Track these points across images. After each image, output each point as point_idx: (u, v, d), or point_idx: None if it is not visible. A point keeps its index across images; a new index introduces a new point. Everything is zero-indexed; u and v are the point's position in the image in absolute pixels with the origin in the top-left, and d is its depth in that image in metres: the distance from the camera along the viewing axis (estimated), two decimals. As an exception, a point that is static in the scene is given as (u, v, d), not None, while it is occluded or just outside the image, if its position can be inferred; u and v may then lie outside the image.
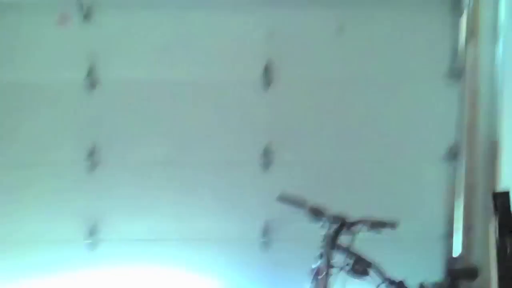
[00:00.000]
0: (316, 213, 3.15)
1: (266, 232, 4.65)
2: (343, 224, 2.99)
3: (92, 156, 4.72)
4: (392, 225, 3.02)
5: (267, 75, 4.64)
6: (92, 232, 4.74)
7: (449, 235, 4.62)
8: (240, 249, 4.68)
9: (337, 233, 3.00)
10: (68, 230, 4.75)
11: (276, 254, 4.66)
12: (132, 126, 4.75)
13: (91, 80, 4.69)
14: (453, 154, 4.62)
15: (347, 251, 2.98)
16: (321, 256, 3.59)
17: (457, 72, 4.61)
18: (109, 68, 4.69)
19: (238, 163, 4.69)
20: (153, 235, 4.72)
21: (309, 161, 4.68)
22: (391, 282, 2.85)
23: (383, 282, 2.78)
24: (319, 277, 3.00)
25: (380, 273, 2.71)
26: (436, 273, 4.51)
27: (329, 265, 2.97)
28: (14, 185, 4.73)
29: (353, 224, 3.04)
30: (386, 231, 3.05)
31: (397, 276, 3.20)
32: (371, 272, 2.73)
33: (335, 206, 4.39)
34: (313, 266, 3.61)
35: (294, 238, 4.62)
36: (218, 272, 4.69)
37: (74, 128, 4.75)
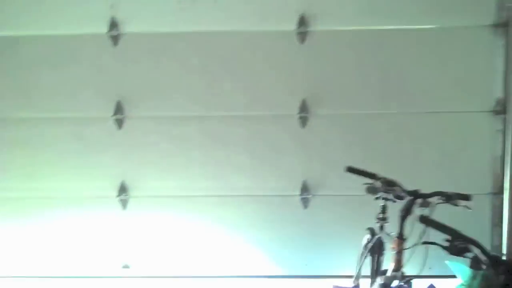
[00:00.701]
0: (389, 185, 2.99)
1: (305, 189, 4.48)
2: (417, 197, 2.82)
3: (119, 112, 4.44)
4: (467, 197, 2.86)
5: (303, 28, 4.33)
6: (123, 189, 4.52)
7: (498, 192, 4.48)
8: (278, 207, 4.53)
9: (410, 206, 2.84)
10: (98, 187, 4.59)
11: (315, 212, 4.51)
12: (159, 80, 4.48)
13: (115, 34, 4.42)
14: (501, 108, 4.40)
15: (443, 227, 2.84)
16: (372, 232, 3.54)
17: (503, 24, 4.32)
18: (132, 22, 4.42)
19: (274, 118, 4.44)
20: (184, 192, 4.55)
21: (348, 116, 4.46)
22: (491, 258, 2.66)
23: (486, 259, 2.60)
24: (395, 251, 2.87)
25: (482, 249, 2.56)
26: (484, 231, 4.45)
27: (402, 239, 2.80)
28: (41, 141, 4.54)
29: (428, 196, 2.86)
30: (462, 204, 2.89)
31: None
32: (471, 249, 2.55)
33: (376, 161, 4.31)
34: (366, 241, 3.51)
35: (334, 196, 4.47)
36: (256, 230, 4.54)
37: (100, 83, 4.49)
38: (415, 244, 2.87)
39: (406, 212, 2.86)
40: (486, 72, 4.39)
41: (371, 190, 3.35)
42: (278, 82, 4.44)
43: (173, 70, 4.47)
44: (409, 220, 2.90)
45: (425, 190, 2.99)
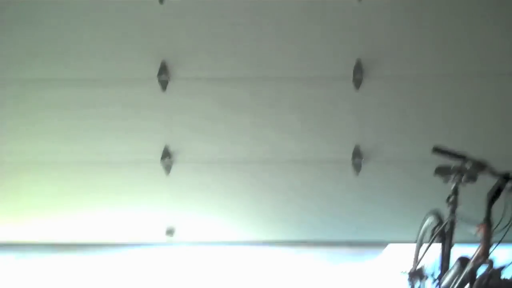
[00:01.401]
0: (479, 166, 2.73)
1: (357, 154, 4.31)
2: (507, 179, 2.58)
3: (164, 72, 4.24)
4: None
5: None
6: (166, 153, 4.36)
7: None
8: (329, 172, 4.38)
9: (500, 189, 2.59)
10: (142, 151, 4.44)
11: (368, 178, 4.36)
12: (204, 42, 4.30)
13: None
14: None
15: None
16: (437, 214, 3.40)
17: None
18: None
19: (326, 79, 4.24)
20: (230, 157, 4.36)
21: (406, 76, 4.25)
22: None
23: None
24: (482, 237, 2.70)
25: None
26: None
27: (490, 224, 2.62)
28: (82, 104, 4.38)
29: None
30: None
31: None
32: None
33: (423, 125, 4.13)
34: (430, 224, 3.37)
35: (387, 161, 4.31)
36: (305, 196, 4.40)
37: (144, 43, 4.31)
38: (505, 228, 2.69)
39: (495, 195, 2.67)
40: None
41: (443, 171, 3.23)
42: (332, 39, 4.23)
43: (219, 32, 4.25)
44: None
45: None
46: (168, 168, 4.44)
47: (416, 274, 3.64)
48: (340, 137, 4.35)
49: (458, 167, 3.10)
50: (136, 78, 4.34)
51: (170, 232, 4.50)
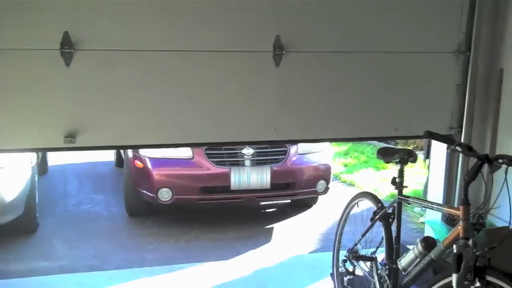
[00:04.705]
0: (466, 149, 2.93)
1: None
2: (485, 161, 2.86)
3: None
4: None
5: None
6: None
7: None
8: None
9: (478, 170, 2.85)
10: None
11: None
12: None
13: None
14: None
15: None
16: (373, 197, 3.76)
17: None
18: None
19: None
20: (138, 46, 3.70)
21: None
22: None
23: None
24: (461, 219, 2.78)
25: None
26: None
27: (468, 205, 2.80)
28: None
29: (495, 159, 2.91)
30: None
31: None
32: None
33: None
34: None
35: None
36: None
37: None
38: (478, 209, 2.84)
39: (472, 177, 2.81)
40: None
41: (386, 153, 3.74)
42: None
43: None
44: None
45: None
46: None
47: (351, 254, 3.74)
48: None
49: (402, 150, 3.56)
50: None
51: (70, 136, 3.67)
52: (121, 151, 7.60)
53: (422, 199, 4.07)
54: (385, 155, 3.69)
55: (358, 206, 3.99)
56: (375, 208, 3.65)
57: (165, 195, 6.07)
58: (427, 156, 6.10)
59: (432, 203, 3.43)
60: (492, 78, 4.47)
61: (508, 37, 4.33)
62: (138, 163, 6.29)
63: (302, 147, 6.47)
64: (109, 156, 9.72)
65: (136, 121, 3.80)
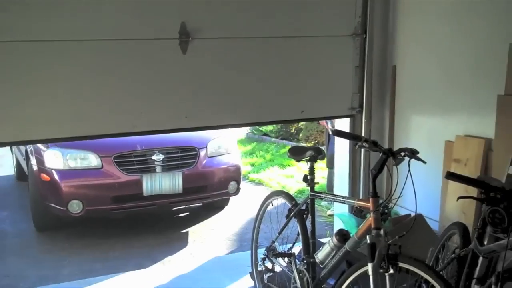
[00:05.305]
0: (372, 144, 3.09)
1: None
2: (389, 155, 3.04)
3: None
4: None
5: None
6: None
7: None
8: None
9: (384, 164, 3.03)
10: None
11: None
12: None
13: None
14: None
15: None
16: (286, 195, 3.89)
17: None
18: None
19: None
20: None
21: None
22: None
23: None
24: (372, 211, 2.97)
25: None
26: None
27: (377, 197, 2.97)
28: None
29: (398, 152, 3.08)
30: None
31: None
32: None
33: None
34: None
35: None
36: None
37: None
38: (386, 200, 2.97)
39: (379, 170, 2.96)
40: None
41: (296, 152, 3.84)
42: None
43: None
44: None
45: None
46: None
47: (270, 252, 3.87)
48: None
49: (312, 148, 3.69)
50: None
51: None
52: (24, 164, 7.29)
53: (333, 194, 4.27)
54: (296, 154, 3.82)
55: (272, 205, 4.11)
56: (290, 206, 3.80)
57: (75, 207, 5.93)
58: (326, 151, 6.38)
59: (342, 197, 3.62)
60: (388, 59, 4.83)
61: (401, 19, 4.65)
62: (45, 176, 6.09)
63: (211, 149, 6.58)
64: (7, 170, 9.30)
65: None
